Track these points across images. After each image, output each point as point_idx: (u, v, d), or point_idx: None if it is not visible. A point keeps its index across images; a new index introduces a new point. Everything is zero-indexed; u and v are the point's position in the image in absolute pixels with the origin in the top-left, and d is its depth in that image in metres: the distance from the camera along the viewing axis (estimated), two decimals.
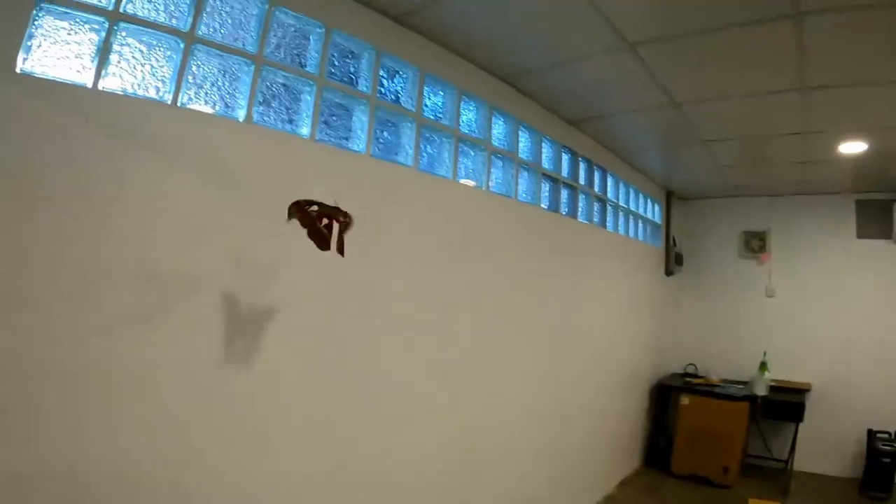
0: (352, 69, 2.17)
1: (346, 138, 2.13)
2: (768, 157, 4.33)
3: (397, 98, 2.35)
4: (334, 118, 2.09)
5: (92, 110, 1.48)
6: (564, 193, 3.61)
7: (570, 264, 3.67)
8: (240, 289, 1.74)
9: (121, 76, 1.60)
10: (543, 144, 3.35)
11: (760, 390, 4.81)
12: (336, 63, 2.10)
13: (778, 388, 4.96)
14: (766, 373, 5.00)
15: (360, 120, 2.17)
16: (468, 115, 2.74)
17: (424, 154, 2.45)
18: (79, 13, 1.51)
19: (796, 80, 2.76)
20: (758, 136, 3.81)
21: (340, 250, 1.63)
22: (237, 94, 1.84)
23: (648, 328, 5.31)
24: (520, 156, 3.11)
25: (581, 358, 3.85)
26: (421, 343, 2.42)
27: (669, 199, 5.69)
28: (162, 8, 1.69)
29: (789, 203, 5.55)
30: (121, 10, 1.58)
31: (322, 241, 1.59)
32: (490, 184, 2.85)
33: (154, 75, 1.66)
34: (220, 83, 1.81)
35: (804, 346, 5.26)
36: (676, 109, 3.37)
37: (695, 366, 5.73)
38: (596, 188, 4.03)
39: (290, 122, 1.96)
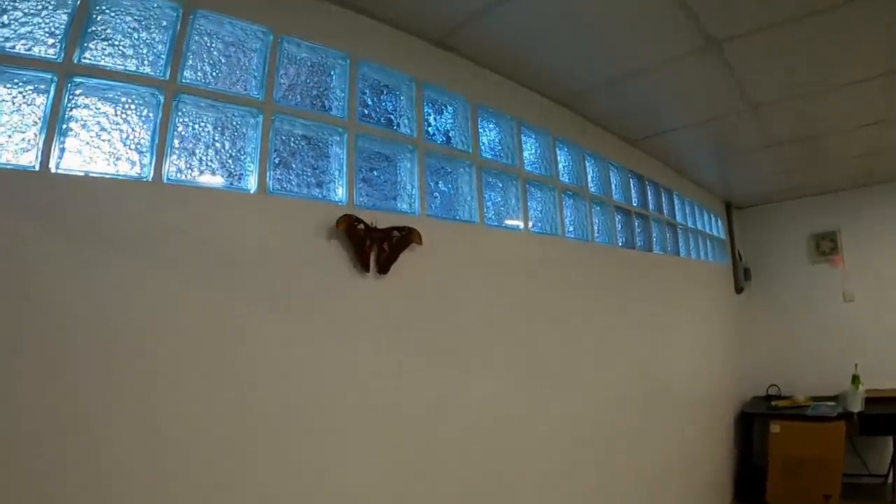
0: (389, 107, 1.56)
1: (393, 197, 1.51)
2: (837, 152, 3.67)
3: (448, 138, 1.73)
4: (375, 172, 1.48)
5: (43, 201, 0.90)
6: (636, 223, 2.93)
7: (646, 299, 2.98)
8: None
9: (80, 151, 1.01)
10: (611, 173, 2.69)
11: (855, 406, 4.03)
12: (369, 102, 1.50)
13: (872, 400, 4.15)
14: (861, 386, 4.17)
15: (407, 170, 1.55)
16: (529, 150, 2.10)
17: (489, 204, 1.81)
18: (16, 71, 0.92)
19: (884, 65, 2.26)
20: (831, 130, 3.18)
21: (383, 269, 1.41)
22: (243, 157, 1.24)
23: (725, 353, 4.56)
24: (590, 189, 2.45)
25: (662, 393, 3.12)
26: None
27: (729, 210, 4.95)
28: (130, 52, 1.10)
29: (858, 197, 4.76)
30: (74, 61, 1.00)
31: (362, 259, 1.37)
32: (565, 229, 2.19)
33: (127, 143, 1.07)
34: (218, 144, 1.21)
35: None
36: (751, 113, 2.78)
37: (777, 387, 4.88)
38: (665, 212, 3.34)
39: (319, 185, 1.36)
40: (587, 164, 2.47)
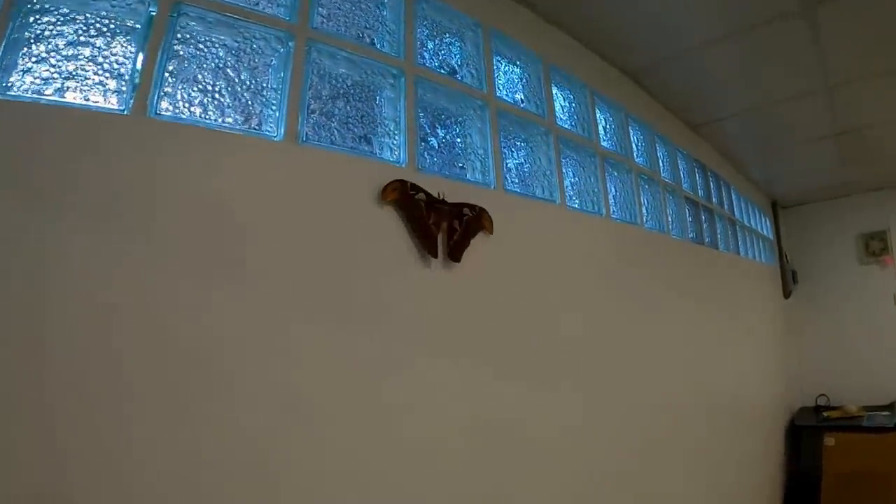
0: (453, 54, 1.19)
1: (461, 165, 1.12)
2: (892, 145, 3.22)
3: (519, 100, 1.33)
4: (439, 130, 1.09)
5: None
6: (703, 217, 2.52)
7: (712, 301, 2.56)
8: None
9: None
10: (679, 159, 2.29)
11: None
12: (429, 45, 1.11)
13: None
14: None
15: (477, 130, 1.17)
16: (603, 125, 1.70)
17: (568, 182, 1.41)
18: None
19: None
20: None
21: (455, 255, 1.01)
22: (266, 93, 0.86)
23: (774, 361, 4.10)
24: (662, 176, 2.05)
25: (722, 402, 2.70)
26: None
27: (775, 209, 4.51)
28: None
29: None
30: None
31: (428, 241, 0.97)
32: (643, 218, 1.79)
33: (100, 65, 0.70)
34: (231, 73, 0.83)
35: None
36: (826, 95, 2.38)
37: (826, 397, 4.39)
38: (725, 207, 2.93)
39: (367, 139, 0.97)
40: (657, 149, 2.07)
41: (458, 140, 1.08)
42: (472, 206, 1.02)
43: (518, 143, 1.25)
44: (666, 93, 2.20)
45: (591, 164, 1.54)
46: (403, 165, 0.97)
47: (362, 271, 0.86)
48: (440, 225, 0.96)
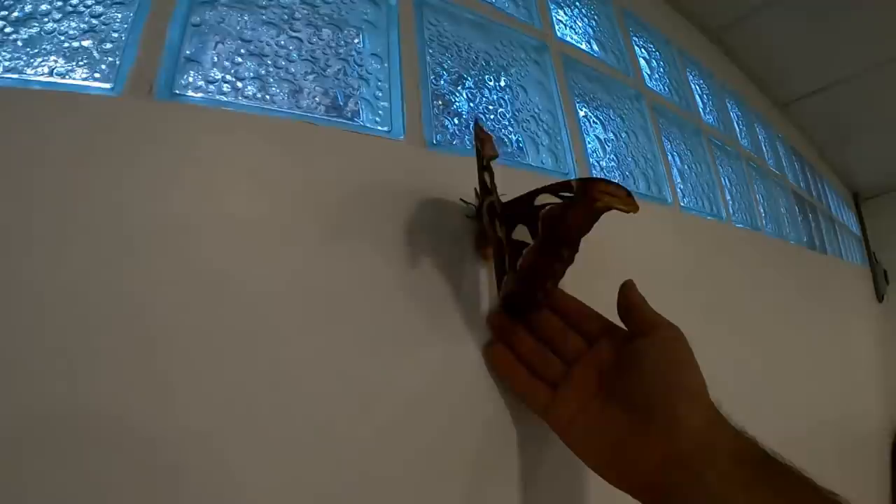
0: None
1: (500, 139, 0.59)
2: None
3: (593, 47, 0.82)
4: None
5: None
6: (808, 213, 1.94)
7: (815, 312, 1.96)
8: None
9: None
10: (778, 145, 1.73)
11: None
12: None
13: None
14: None
15: (536, 84, 0.64)
16: (697, 97, 1.16)
17: (675, 170, 0.88)
18: None
19: None
20: None
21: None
22: None
23: (873, 375, 3.38)
24: (770, 165, 1.50)
25: (825, 426, 2.06)
26: None
27: (857, 201, 3.83)
28: None
29: None
30: None
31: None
32: (762, 221, 1.24)
33: None
34: None
35: None
36: None
37: None
38: (823, 201, 2.33)
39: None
40: (758, 131, 1.52)
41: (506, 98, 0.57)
42: (557, 187, 0.44)
43: (601, 110, 0.73)
44: (752, 59, 1.66)
45: (699, 145, 1.01)
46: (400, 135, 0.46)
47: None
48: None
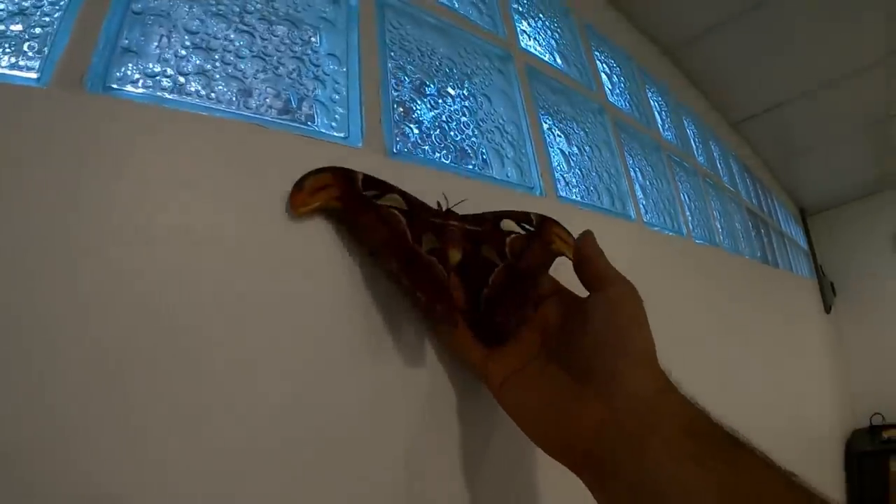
0: None
1: (468, 151, 0.57)
2: None
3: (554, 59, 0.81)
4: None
5: None
6: (760, 229, 1.99)
7: (764, 320, 2.03)
8: None
9: None
10: (732, 163, 1.78)
11: None
12: None
13: None
14: None
15: (499, 91, 0.63)
16: (656, 112, 1.18)
17: (638, 186, 0.88)
18: None
19: None
20: None
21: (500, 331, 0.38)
22: None
23: (825, 382, 3.52)
24: (725, 182, 1.53)
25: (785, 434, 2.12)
26: None
27: (804, 216, 3.99)
28: None
29: None
30: None
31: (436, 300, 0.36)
32: (720, 236, 1.26)
33: None
34: None
35: None
36: (885, 65, 1.85)
37: (882, 415, 3.77)
38: (773, 217, 2.42)
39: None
40: (713, 149, 1.56)
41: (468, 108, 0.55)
42: (521, 217, 0.45)
43: (565, 122, 0.72)
44: (705, 78, 1.71)
45: (659, 161, 1.01)
46: (358, 146, 0.44)
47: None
48: (449, 261, 0.41)
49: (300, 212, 0.36)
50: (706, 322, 0.99)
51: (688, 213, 1.06)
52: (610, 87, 0.95)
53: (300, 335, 0.34)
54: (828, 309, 3.86)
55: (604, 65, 0.97)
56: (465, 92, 0.55)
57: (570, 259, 0.40)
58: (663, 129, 1.14)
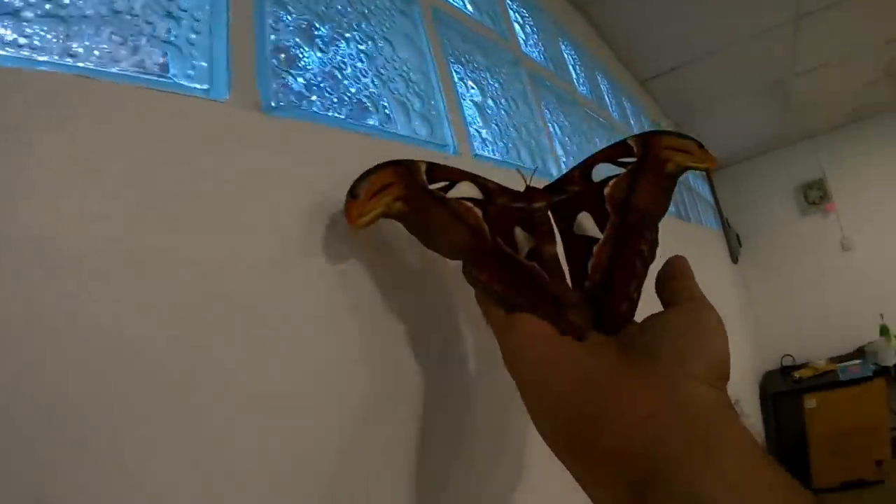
0: None
1: (362, 104, 0.50)
2: (843, 81, 2.94)
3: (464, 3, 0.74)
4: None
5: None
6: None
7: None
8: None
9: None
10: (643, 120, 1.79)
11: (890, 359, 3.37)
12: None
13: None
14: (894, 338, 3.52)
15: (406, 39, 0.56)
16: (571, 68, 1.14)
17: (557, 141, 0.83)
18: None
19: None
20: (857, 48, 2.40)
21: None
22: None
23: (730, 328, 3.73)
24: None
25: None
26: None
27: (709, 172, 4.19)
28: None
29: (839, 139, 4.13)
30: None
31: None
32: None
33: None
34: None
35: None
36: (793, 26, 1.97)
37: (792, 357, 4.11)
38: None
39: None
40: (626, 105, 1.55)
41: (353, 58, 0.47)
42: (611, 152, 0.39)
43: (478, 73, 0.65)
44: (616, 35, 1.70)
45: (576, 116, 0.97)
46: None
47: None
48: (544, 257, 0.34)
49: (360, 223, 0.28)
50: None
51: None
52: (524, 37, 0.90)
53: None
54: (735, 259, 4.11)
55: (517, 14, 0.91)
56: (361, 35, 0.47)
57: (698, 170, 0.34)
58: (579, 84, 1.10)
